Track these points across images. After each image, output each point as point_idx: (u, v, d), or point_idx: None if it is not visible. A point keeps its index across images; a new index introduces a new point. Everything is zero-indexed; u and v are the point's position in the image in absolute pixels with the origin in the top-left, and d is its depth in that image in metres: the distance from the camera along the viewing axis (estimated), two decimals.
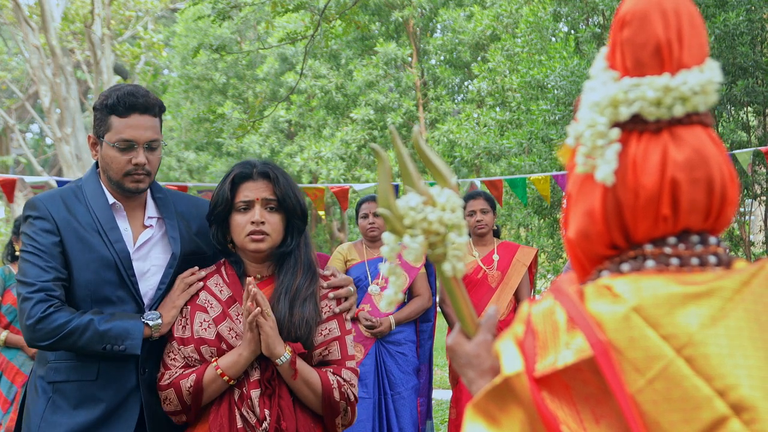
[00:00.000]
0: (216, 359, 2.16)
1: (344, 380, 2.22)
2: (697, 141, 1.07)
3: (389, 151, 13.31)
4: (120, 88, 2.27)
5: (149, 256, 2.31)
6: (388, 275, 1.20)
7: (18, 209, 14.22)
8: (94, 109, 2.30)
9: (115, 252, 2.23)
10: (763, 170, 7.61)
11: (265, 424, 2.11)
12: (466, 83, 15.87)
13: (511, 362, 1.08)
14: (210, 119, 16.63)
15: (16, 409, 4.98)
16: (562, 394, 1.04)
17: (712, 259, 1.08)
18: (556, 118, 8.60)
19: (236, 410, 2.14)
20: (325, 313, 2.25)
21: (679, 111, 1.06)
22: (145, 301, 2.26)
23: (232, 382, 2.15)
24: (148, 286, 2.28)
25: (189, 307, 2.24)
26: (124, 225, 2.30)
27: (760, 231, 9.00)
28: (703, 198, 1.07)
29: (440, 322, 5.12)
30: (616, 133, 1.08)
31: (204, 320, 2.21)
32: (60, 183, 5.53)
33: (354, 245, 4.87)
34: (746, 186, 7.31)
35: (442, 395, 7.87)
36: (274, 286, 2.24)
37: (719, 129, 7.21)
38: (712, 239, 1.10)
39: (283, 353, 2.12)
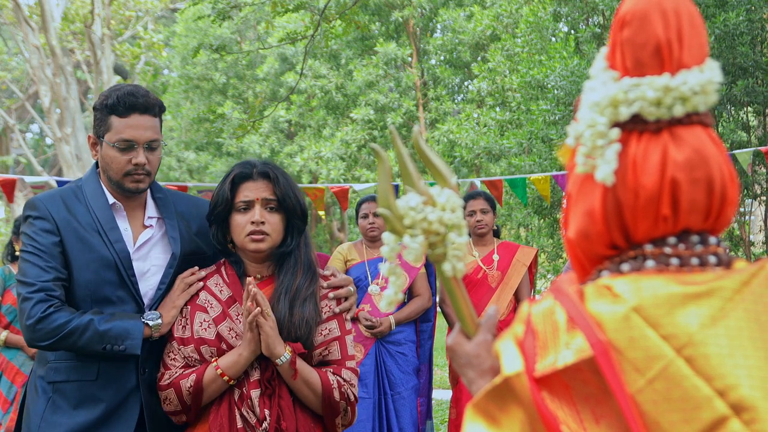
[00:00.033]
0: (216, 359, 2.16)
1: (344, 380, 2.22)
2: (697, 141, 1.07)
3: (389, 151, 13.31)
4: (120, 88, 2.27)
5: (149, 256, 2.31)
6: (388, 275, 1.20)
7: (18, 209, 14.22)
8: (94, 109, 2.30)
9: (115, 252, 2.23)
10: (763, 170, 7.61)
11: (265, 424, 2.11)
12: (466, 83, 15.88)
13: (511, 362, 1.08)
14: (210, 119, 16.63)
15: (16, 409, 4.98)
16: (562, 394, 1.04)
17: (712, 259, 1.08)
18: (556, 118, 8.60)
19: (236, 410, 2.14)
20: (325, 313, 2.25)
21: (679, 111, 1.06)
22: (145, 301, 2.26)
23: (232, 382, 2.15)
24: (148, 286, 2.28)
25: (189, 307, 2.24)
26: (124, 225, 2.30)
27: (760, 231, 9.00)
28: (703, 198, 1.07)
29: (440, 322, 5.12)
30: (616, 133, 1.08)
31: (204, 320, 2.21)
32: (60, 183, 5.53)
33: (354, 245, 4.87)
34: (746, 186, 7.31)
35: (442, 395, 7.87)
36: (274, 286, 2.24)
37: (719, 129, 7.21)
38: (712, 239, 1.10)
39: (283, 353, 2.11)
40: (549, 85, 8.74)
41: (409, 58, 16.31)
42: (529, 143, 9.18)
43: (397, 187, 4.51)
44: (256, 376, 2.16)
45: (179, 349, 2.21)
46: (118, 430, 2.20)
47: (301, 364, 2.16)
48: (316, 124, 16.34)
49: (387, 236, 1.19)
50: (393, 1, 15.84)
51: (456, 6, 15.55)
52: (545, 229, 9.44)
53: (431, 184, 1.25)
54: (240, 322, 2.19)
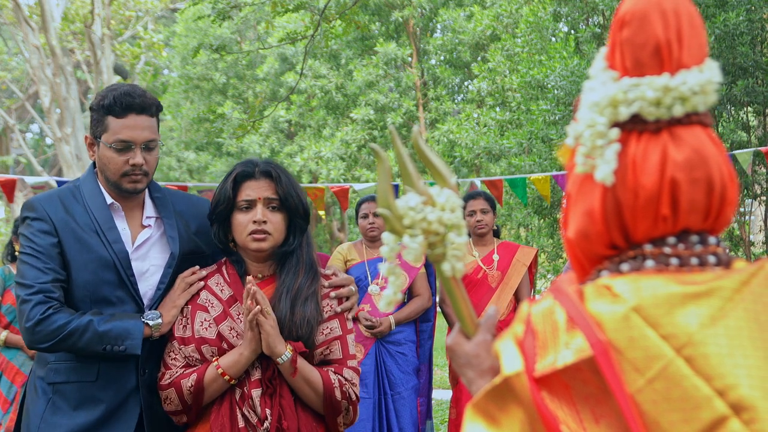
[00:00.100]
0: (217, 359, 2.16)
1: (346, 379, 2.21)
2: (697, 141, 1.07)
3: (389, 151, 13.30)
4: (116, 88, 2.25)
5: (148, 256, 2.30)
6: (388, 275, 1.20)
7: (18, 209, 14.21)
8: (91, 109, 2.28)
9: (114, 252, 2.21)
10: (763, 170, 7.61)
11: (266, 424, 2.10)
12: (466, 83, 15.88)
13: (511, 362, 1.08)
14: (210, 119, 16.64)
15: (16, 409, 4.98)
16: (561, 394, 1.04)
17: (712, 258, 1.08)
18: (556, 118, 8.60)
19: (237, 410, 2.14)
20: (326, 312, 2.24)
21: (678, 111, 1.06)
22: (145, 301, 2.25)
23: (233, 382, 2.14)
24: (147, 286, 2.27)
25: (190, 306, 2.23)
26: (122, 225, 2.29)
27: (760, 231, 8.99)
28: (702, 198, 1.07)
29: (440, 322, 5.12)
30: (615, 133, 1.08)
31: (205, 320, 2.20)
32: (60, 183, 5.52)
33: (354, 245, 4.87)
34: (746, 186, 7.31)
35: (442, 395, 7.87)
36: (275, 286, 2.23)
37: (719, 129, 7.21)
38: (712, 239, 1.10)
39: (284, 352, 2.11)
40: (549, 85, 8.74)
41: (409, 58, 16.31)
42: (529, 143, 9.18)
43: (396, 187, 4.51)
44: (257, 375, 2.15)
45: (180, 349, 2.20)
46: (118, 431, 2.19)
47: (302, 363, 2.15)
48: (316, 124, 16.34)
49: (386, 236, 1.19)
50: (393, 1, 15.84)
51: (456, 6, 15.55)
52: (545, 229, 9.44)
53: (431, 184, 1.25)
54: (241, 321, 2.18)
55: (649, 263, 1.07)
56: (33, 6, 15.56)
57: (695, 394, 0.95)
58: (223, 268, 2.29)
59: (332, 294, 2.28)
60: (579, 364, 1.01)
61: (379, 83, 15.57)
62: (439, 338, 7.93)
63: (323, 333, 2.22)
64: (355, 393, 2.23)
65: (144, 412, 2.22)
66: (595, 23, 9.34)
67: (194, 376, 2.14)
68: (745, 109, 7.62)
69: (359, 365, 2.38)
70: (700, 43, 1.10)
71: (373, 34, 16.32)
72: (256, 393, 2.13)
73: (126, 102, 2.20)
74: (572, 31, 9.74)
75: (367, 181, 13.77)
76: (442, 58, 16.04)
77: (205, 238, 2.36)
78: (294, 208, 2.23)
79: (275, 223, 2.20)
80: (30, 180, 6.32)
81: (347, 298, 2.31)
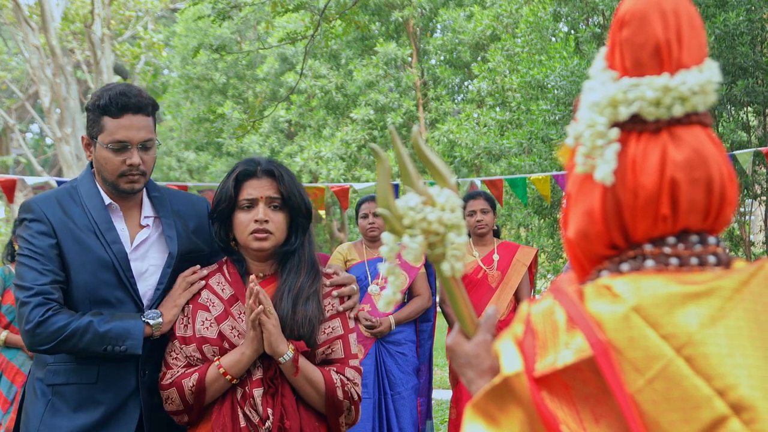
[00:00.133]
0: (218, 358, 2.15)
1: (348, 379, 2.20)
2: (696, 141, 1.07)
3: (389, 151, 13.31)
4: (112, 87, 2.23)
5: (147, 256, 2.28)
6: (388, 275, 1.20)
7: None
8: (87, 109, 2.26)
9: (113, 253, 2.20)
10: (763, 170, 7.61)
11: (268, 423, 2.09)
12: (466, 83, 15.87)
13: (511, 362, 1.08)
14: (210, 119, 16.63)
15: (16, 408, 4.97)
16: (561, 394, 1.04)
17: (712, 258, 1.08)
18: (556, 118, 8.60)
19: (239, 409, 2.13)
20: (328, 311, 2.23)
21: (678, 111, 1.06)
22: (144, 301, 2.24)
23: (234, 381, 2.13)
24: (146, 287, 2.26)
25: (191, 305, 2.22)
26: (120, 225, 2.27)
27: (760, 231, 8.99)
28: (702, 198, 1.07)
29: (440, 322, 5.12)
30: (615, 133, 1.08)
31: (206, 319, 2.19)
32: (60, 183, 5.53)
33: (354, 245, 4.87)
34: (746, 186, 7.31)
35: (442, 395, 7.87)
36: (276, 285, 2.22)
37: (719, 129, 7.21)
38: (711, 239, 1.10)
39: (286, 351, 2.10)
40: (549, 85, 8.74)
41: (409, 58, 16.31)
42: (529, 143, 9.18)
43: (396, 187, 4.51)
44: (258, 374, 2.14)
45: (181, 349, 2.19)
46: None
47: (304, 362, 2.14)
48: (316, 124, 16.34)
49: (386, 236, 1.19)
50: (393, 1, 15.83)
51: (456, 6, 15.55)
52: (545, 229, 9.44)
53: (431, 184, 1.25)
54: (242, 320, 2.18)
55: (649, 263, 1.07)
56: (33, 6, 15.56)
57: (695, 394, 0.95)
58: (224, 268, 2.28)
59: (335, 293, 2.26)
60: (579, 364, 1.01)
61: (379, 83, 15.57)
62: (439, 338, 7.93)
63: (325, 332, 2.20)
64: (357, 393, 2.22)
65: (144, 413, 2.21)
66: (595, 23, 9.33)
67: (196, 376, 2.13)
68: (745, 109, 7.61)
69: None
70: (700, 43, 1.10)
71: (373, 34, 16.32)
72: (257, 392, 2.13)
73: (122, 102, 2.18)
74: (572, 31, 9.74)
75: (367, 181, 13.77)
76: (442, 58, 16.04)
77: (203, 237, 2.35)
78: (296, 207, 2.22)
79: (277, 222, 2.19)
80: (30, 180, 6.31)
81: (349, 297, 2.29)
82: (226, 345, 2.16)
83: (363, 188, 6.84)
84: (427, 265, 4.76)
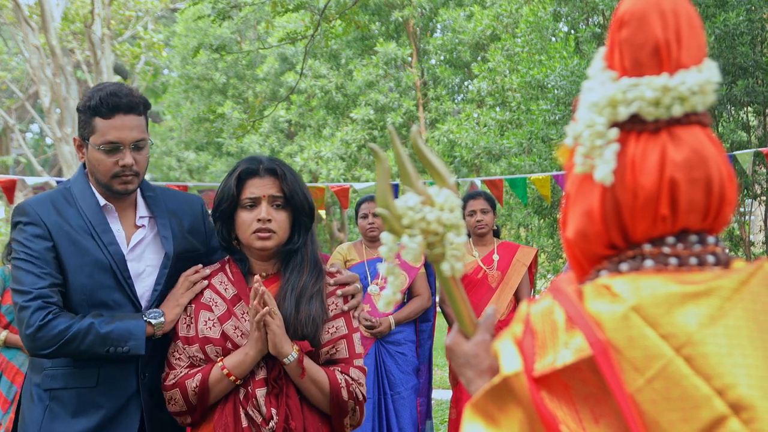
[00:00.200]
0: (222, 359, 2.13)
1: (353, 379, 2.18)
2: (696, 141, 1.07)
3: (388, 151, 13.30)
4: (102, 88, 2.20)
5: (143, 257, 2.26)
6: (387, 275, 1.20)
7: None
8: (78, 110, 2.24)
9: (110, 254, 2.18)
10: (763, 170, 7.61)
11: (272, 423, 2.08)
12: (466, 83, 15.86)
13: (510, 362, 1.08)
14: (210, 119, 16.63)
15: (15, 409, 4.97)
16: (561, 394, 1.04)
17: (711, 258, 1.08)
18: (556, 118, 8.60)
19: (241, 409, 2.11)
20: (331, 310, 2.21)
21: (677, 111, 1.06)
22: (142, 303, 2.22)
23: (238, 382, 2.12)
24: (144, 288, 2.24)
25: (193, 305, 2.20)
26: (116, 226, 2.25)
27: (760, 231, 8.99)
28: (701, 198, 1.07)
29: (440, 322, 5.12)
30: (614, 133, 1.08)
31: (209, 319, 2.17)
32: (60, 183, 5.52)
33: (354, 245, 4.87)
34: (746, 186, 7.30)
35: (442, 395, 7.86)
36: (279, 284, 2.20)
37: (719, 129, 7.21)
38: (711, 239, 1.10)
39: (291, 352, 2.08)
40: (549, 85, 8.73)
41: (409, 58, 16.30)
42: (529, 143, 9.17)
43: (396, 187, 4.51)
44: (261, 374, 2.13)
45: (184, 349, 2.17)
46: None
47: (308, 363, 2.12)
48: (316, 124, 16.33)
49: (385, 236, 1.18)
50: (393, 1, 15.83)
51: (456, 6, 15.54)
52: (545, 229, 9.44)
53: (430, 184, 1.25)
54: (245, 320, 2.16)
55: (648, 263, 1.07)
56: (33, 6, 15.56)
57: (695, 394, 0.95)
58: (227, 267, 2.26)
59: (339, 292, 2.24)
60: (578, 364, 1.01)
61: (379, 83, 15.56)
62: (439, 338, 7.93)
63: (329, 332, 2.18)
64: (362, 393, 2.20)
65: (145, 416, 2.19)
66: (595, 23, 9.33)
67: (199, 377, 2.12)
68: (745, 109, 7.61)
69: None
70: (699, 43, 1.10)
71: (373, 34, 16.31)
72: (260, 392, 2.11)
73: (112, 102, 2.15)
74: (572, 31, 9.74)
75: (367, 181, 13.77)
76: (442, 58, 16.03)
77: (199, 236, 2.33)
78: (299, 205, 2.20)
79: (280, 221, 2.17)
80: (30, 180, 6.31)
81: (353, 296, 2.27)
82: (229, 345, 2.14)
83: (363, 188, 6.84)
84: (427, 265, 4.76)
